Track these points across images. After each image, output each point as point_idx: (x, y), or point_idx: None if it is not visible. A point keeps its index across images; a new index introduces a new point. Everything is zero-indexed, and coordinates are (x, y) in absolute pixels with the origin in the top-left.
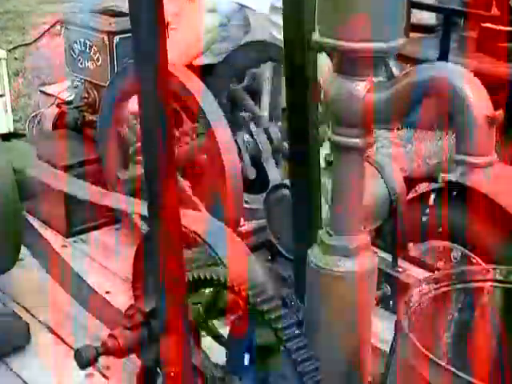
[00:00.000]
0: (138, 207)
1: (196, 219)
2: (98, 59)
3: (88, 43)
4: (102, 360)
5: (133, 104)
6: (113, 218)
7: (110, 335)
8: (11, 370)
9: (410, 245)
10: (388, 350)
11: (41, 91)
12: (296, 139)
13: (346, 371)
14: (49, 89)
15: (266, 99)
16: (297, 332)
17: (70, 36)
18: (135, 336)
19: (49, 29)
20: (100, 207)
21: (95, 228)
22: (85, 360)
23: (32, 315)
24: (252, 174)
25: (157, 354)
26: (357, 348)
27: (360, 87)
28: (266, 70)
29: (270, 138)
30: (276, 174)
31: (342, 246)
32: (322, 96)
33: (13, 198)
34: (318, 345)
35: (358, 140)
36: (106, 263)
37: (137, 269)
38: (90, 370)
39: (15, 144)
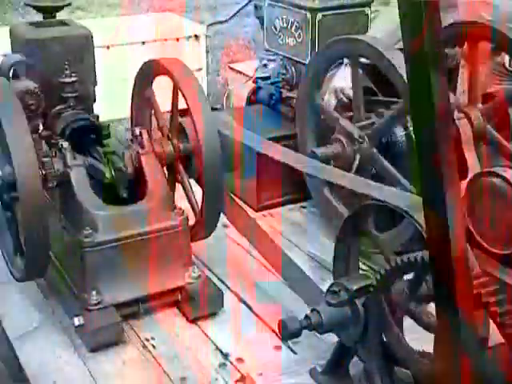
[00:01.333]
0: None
1: None
2: (299, 36)
3: (290, 19)
4: None
5: (335, 80)
6: (299, 195)
7: (314, 310)
8: (205, 333)
9: None
10: None
11: (230, 68)
12: None
13: None
14: (237, 66)
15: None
16: None
17: (272, 12)
18: (339, 313)
19: (242, 8)
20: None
21: (282, 204)
22: (289, 332)
23: (224, 283)
24: None
25: (358, 334)
26: None
27: None
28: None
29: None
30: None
31: None
32: None
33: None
34: None
35: None
36: (295, 240)
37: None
38: (278, 342)
39: (218, 114)
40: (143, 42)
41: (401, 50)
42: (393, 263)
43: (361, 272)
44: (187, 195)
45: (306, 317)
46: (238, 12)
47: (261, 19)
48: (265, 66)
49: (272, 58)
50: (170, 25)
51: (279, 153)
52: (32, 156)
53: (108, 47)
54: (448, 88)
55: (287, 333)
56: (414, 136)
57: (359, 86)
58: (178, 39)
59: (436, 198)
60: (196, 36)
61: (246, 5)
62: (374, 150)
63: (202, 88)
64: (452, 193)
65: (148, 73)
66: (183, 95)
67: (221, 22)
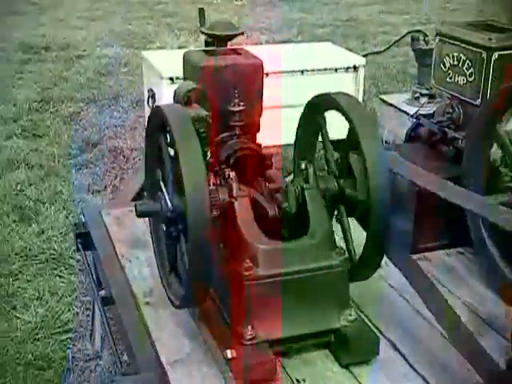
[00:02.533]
0: None
1: None
2: (470, 75)
3: (462, 57)
4: None
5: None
6: (458, 239)
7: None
8: (358, 381)
9: None
10: None
11: (381, 99)
12: None
13: None
14: (389, 98)
15: None
16: None
17: (442, 48)
18: None
19: (400, 39)
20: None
21: (439, 248)
22: None
23: (377, 328)
24: None
25: None
26: None
27: None
28: None
29: None
30: None
31: None
32: None
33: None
34: None
35: None
36: (451, 287)
37: None
38: None
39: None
40: (302, 72)
41: None
42: None
43: None
44: (345, 236)
45: None
46: (395, 43)
47: (417, 52)
48: (416, 99)
49: (425, 92)
50: (328, 54)
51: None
52: (205, 184)
53: (267, 74)
54: None
55: None
56: None
57: None
58: (336, 69)
59: None
60: (355, 67)
61: (404, 36)
62: None
63: (376, 125)
64: None
65: (319, 104)
66: (355, 131)
67: (377, 53)
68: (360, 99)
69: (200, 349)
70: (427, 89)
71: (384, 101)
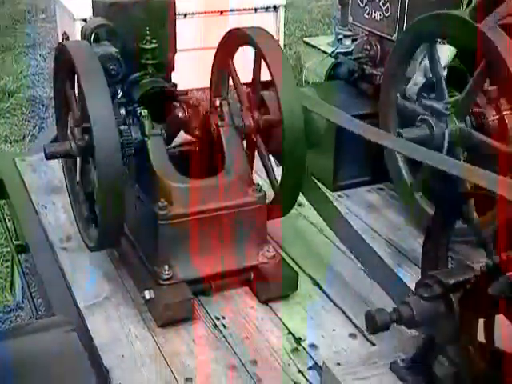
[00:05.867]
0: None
1: None
2: (386, 10)
3: None
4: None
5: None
6: (376, 177)
7: (405, 303)
8: (277, 316)
9: None
10: None
11: (304, 42)
12: None
13: None
14: (312, 41)
15: None
16: None
17: None
18: (431, 308)
19: None
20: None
21: (359, 185)
22: (377, 324)
23: (297, 265)
24: None
25: (450, 332)
26: None
27: None
28: None
29: None
30: None
31: None
32: None
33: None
34: None
35: None
36: (371, 223)
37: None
38: (352, 330)
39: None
40: (221, 12)
41: (502, 26)
42: (496, 259)
43: (456, 265)
44: (267, 170)
45: (396, 310)
46: None
47: None
48: (339, 40)
49: (348, 33)
50: None
51: (365, 130)
52: (111, 121)
53: (185, 15)
54: None
55: (375, 326)
56: None
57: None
58: (256, 10)
59: None
60: (275, 7)
61: None
62: (463, 125)
63: (288, 60)
64: None
65: (231, 42)
66: (268, 67)
67: None
68: (281, 39)
69: (118, 291)
70: (350, 30)
71: (307, 43)
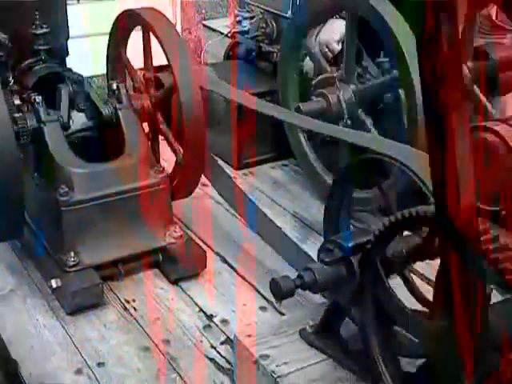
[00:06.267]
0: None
1: None
2: None
3: None
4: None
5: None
6: (280, 153)
7: (308, 269)
8: (187, 295)
9: None
10: None
11: (204, 25)
12: None
13: None
14: (211, 23)
15: None
16: None
17: None
18: (333, 272)
19: None
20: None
21: (264, 162)
22: (282, 291)
23: (206, 244)
24: None
25: (352, 294)
26: None
27: None
28: None
29: None
30: None
31: None
32: None
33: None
34: None
35: None
36: (277, 198)
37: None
38: (263, 303)
39: (201, 69)
40: None
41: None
42: (392, 218)
43: (356, 228)
44: (172, 147)
45: (300, 276)
46: None
47: None
48: (239, 22)
49: (247, 14)
50: None
51: (263, 107)
52: (2, 109)
53: (78, 0)
54: None
55: (280, 292)
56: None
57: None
58: None
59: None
60: None
61: None
62: (354, 87)
63: (183, 40)
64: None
65: (124, 25)
66: (162, 47)
67: None
68: (178, 22)
69: (24, 283)
70: (248, 11)
71: (207, 26)
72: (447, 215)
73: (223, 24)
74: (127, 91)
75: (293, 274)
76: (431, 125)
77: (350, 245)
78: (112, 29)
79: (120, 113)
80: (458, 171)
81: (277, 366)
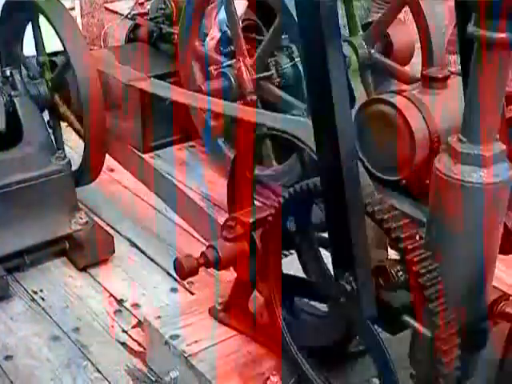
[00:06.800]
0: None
1: None
2: None
3: None
4: None
5: (220, 13)
6: (186, 135)
7: (210, 246)
8: (97, 281)
9: None
10: None
11: (106, 8)
12: None
13: (468, 286)
14: (113, 6)
15: None
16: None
17: None
18: (236, 248)
19: None
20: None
21: (170, 144)
22: (186, 270)
23: (114, 229)
24: None
25: (256, 267)
26: (480, 264)
27: None
28: None
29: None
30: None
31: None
32: None
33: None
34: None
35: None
36: (182, 178)
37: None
38: (173, 284)
39: (98, 52)
40: None
41: None
42: (288, 192)
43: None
44: (73, 126)
45: (203, 254)
46: None
47: None
48: (141, 4)
49: None
50: None
51: (165, 89)
52: None
53: None
54: None
55: (184, 271)
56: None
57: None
58: None
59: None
60: None
61: None
62: (261, 82)
63: (77, 25)
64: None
65: (17, 10)
66: (56, 31)
67: None
68: (77, 6)
69: None
70: None
71: (109, 9)
72: None
73: (127, 6)
74: (22, 78)
75: None
76: None
77: (251, 220)
78: (2, 13)
79: (16, 100)
80: None
81: (187, 345)
